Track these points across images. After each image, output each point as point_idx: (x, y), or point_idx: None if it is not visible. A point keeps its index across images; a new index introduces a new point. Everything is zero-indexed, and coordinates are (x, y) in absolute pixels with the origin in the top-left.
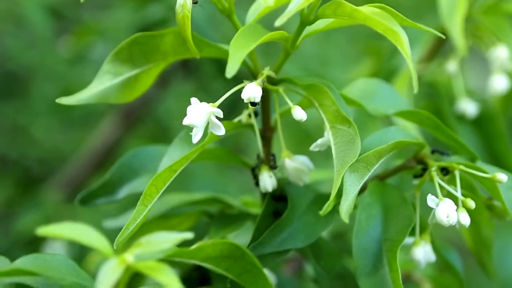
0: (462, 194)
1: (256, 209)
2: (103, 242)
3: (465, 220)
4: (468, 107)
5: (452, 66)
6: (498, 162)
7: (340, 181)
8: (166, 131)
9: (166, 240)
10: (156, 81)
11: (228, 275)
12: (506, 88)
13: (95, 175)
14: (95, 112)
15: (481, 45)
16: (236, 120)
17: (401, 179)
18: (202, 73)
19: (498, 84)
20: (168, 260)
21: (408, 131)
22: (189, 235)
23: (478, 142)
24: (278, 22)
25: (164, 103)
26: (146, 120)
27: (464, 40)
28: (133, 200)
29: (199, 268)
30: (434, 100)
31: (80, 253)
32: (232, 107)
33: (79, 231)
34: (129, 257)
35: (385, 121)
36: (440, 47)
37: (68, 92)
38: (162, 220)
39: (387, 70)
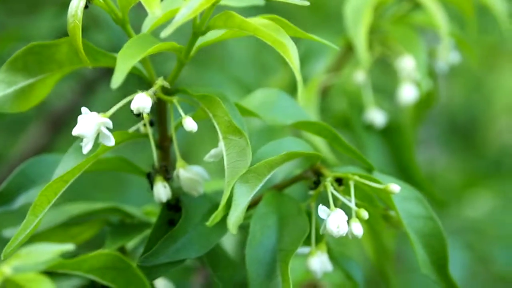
0: (359, 205)
1: None
2: None
3: (357, 230)
4: (377, 117)
5: (360, 76)
6: (405, 172)
7: (230, 191)
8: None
9: (46, 251)
10: (82, 88)
11: (114, 286)
12: (414, 98)
13: None
14: (27, 117)
15: (390, 54)
16: (132, 129)
17: (303, 190)
18: (126, 81)
19: (406, 94)
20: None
21: (304, 142)
22: (70, 247)
23: (386, 152)
24: (164, 33)
25: (91, 109)
26: (73, 126)
27: (369, 51)
28: None
29: None
30: (343, 109)
31: None
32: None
33: None
34: (6, 269)
35: (295, 133)
36: (351, 56)
37: None
38: (62, 229)
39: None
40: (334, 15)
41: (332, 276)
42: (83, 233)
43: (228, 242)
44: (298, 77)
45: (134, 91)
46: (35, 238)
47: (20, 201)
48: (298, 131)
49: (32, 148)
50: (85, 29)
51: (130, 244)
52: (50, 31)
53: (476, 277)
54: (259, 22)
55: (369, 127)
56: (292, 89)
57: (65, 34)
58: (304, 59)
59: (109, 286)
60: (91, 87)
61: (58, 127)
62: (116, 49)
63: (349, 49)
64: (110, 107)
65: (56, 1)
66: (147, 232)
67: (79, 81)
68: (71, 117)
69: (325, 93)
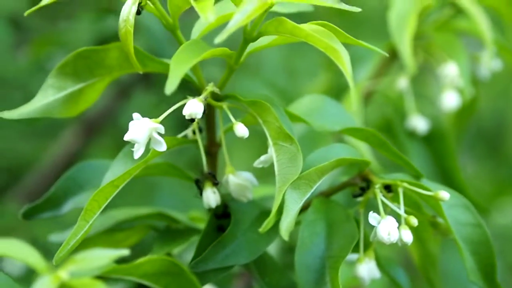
0: (406, 212)
1: (203, 224)
2: (37, 258)
3: (407, 237)
4: (419, 124)
5: (403, 82)
6: (448, 179)
7: (281, 198)
8: (128, 142)
9: (102, 256)
10: (117, 93)
11: None
12: (456, 105)
13: None
14: (58, 122)
15: (432, 61)
16: (181, 135)
17: (349, 196)
18: (162, 86)
19: (448, 101)
20: (109, 277)
21: (352, 148)
22: (125, 252)
23: (428, 158)
24: (218, 39)
25: (125, 114)
26: (107, 131)
27: (413, 58)
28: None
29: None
30: (386, 116)
31: None
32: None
33: (12, 247)
34: (63, 274)
35: (337, 137)
36: (393, 63)
37: None
38: (108, 235)
39: (339, 86)
40: (359, 21)
41: (376, 283)
42: (128, 239)
43: (271, 248)
44: (351, 83)
45: (182, 97)
46: (81, 243)
47: (68, 206)
48: (340, 136)
49: (65, 153)
50: None
51: (176, 250)
52: (87, 36)
53: (506, 286)
54: (310, 28)
55: (411, 134)
56: (332, 95)
57: (104, 38)
58: None
59: None
60: (126, 93)
61: (91, 132)
62: (156, 55)
63: (390, 56)
64: (145, 113)
65: (93, 6)
66: (194, 238)
67: (113, 86)
68: (105, 122)
69: (366, 100)
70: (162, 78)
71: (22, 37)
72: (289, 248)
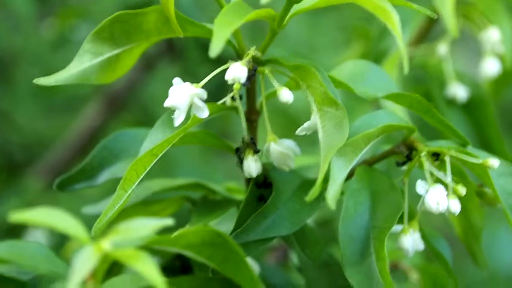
0: (453, 181)
1: (241, 196)
2: (79, 228)
3: (456, 207)
4: (459, 91)
5: (442, 48)
6: (488, 147)
7: (327, 165)
8: (151, 116)
9: (145, 227)
10: (141, 65)
11: (210, 263)
12: (497, 72)
13: (78, 162)
14: (79, 97)
15: (473, 27)
16: (220, 102)
17: (390, 165)
18: (187, 58)
19: (489, 67)
20: (148, 248)
21: (397, 115)
22: (169, 222)
23: (468, 126)
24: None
25: (149, 87)
26: (130, 105)
27: (456, 22)
28: (114, 185)
29: (180, 257)
30: (423, 83)
31: (61, 240)
32: (219, 89)
33: (54, 217)
34: (106, 244)
35: (373, 105)
36: (430, 30)
37: None
38: (144, 206)
39: (375, 53)
40: None
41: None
42: (164, 210)
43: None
44: (401, 45)
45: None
46: (117, 215)
47: (104, 176)
48: (378, 105)
49: (87, 128)
50: (149, 3)
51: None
52: (111, 7)
53: None
54: None
55: (450, 102)
56: None
57: (128, 9)
58: (385, 32)
59: (192, 264)
60: (149, 65)
61: (113, 107)
62: None
63: (428, 22)
64: (168, 86)
65: None
66: (232, 209)
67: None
68: (127, 97)
69: None
70: (188, 49)
71: (45, 9)
72: (323, 222)
